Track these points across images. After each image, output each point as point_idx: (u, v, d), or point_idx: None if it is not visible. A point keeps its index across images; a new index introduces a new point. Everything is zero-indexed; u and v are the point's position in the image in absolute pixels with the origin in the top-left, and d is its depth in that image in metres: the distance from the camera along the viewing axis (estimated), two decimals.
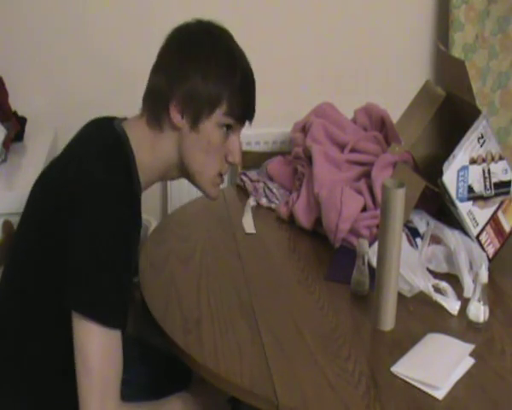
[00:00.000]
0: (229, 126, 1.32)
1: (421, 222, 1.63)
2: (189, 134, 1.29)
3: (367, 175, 1.72)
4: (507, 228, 1.60)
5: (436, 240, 1.56)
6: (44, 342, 1.24)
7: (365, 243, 1.43)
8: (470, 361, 1.24)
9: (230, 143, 1.34)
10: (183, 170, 1.34)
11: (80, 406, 1.14)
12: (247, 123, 1.37)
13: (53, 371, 1.24)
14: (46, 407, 1.26)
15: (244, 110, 1.33)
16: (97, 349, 1.14)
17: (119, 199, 1.18)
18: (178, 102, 1.28)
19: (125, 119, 1.35)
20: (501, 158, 1.60)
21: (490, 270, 1.37)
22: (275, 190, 1.88)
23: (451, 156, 1.54)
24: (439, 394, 1.16)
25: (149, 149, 1.30)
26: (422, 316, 1.38)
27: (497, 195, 1.59)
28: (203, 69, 1.28)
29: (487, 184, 1.57)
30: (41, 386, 1.25)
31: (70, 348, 1.16)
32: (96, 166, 1.21)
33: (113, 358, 1.16)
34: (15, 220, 1.57)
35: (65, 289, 1.16)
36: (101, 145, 1.27)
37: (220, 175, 1.36)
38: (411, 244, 1.57)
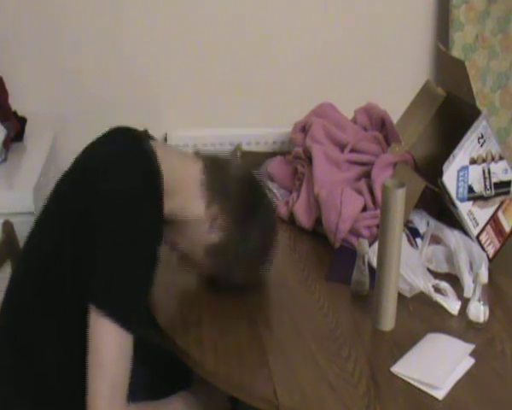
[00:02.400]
0: None
1: (422, 222, 1.63)
2: (203, 238, 1.33)
3: (367, 175, 1.72)
4: (507, 228, 1.60)
5: (436, 240, 1.56)
6: (56, 342, 1.23)
7: (365, 243, 1.43)
8: (470, 361, 1.24)
9: None
10: (173, 223, 1.33)
11: (88, 403, 1.14)
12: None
13: (64, 370, 1.24)
14: (55, 405, 1.26)
15: None
16: (113, 349, 1.14)
17: (151, 204, 1.20)
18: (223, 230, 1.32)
19: (152, 137, 1.37)
20: (501, 158, 1.60)
21: (490, 270, 1.37)
22: (275, 190, 1.88)
23: (451, 156, 1.54)
24: (439, 394, 1.16)
25: (183, 191, 1.31)
26: (422, 316, 1.38)
27: (497, 195, 1.59)
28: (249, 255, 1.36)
29: (487, 184, 1.58)
30: (51, 385, 1.25)
31: (81, 349, 1.16)
32: (125, 173, 1.22)
33: (126, 360, 1.16)
34: (15, 220, 1.57)
35: (88, 288, 1.16)
36: (132, 155, 1.27)
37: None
38: (411, 244, 1.57)
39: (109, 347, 1.14)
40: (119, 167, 1.23)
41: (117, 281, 1.16)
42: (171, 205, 1.28)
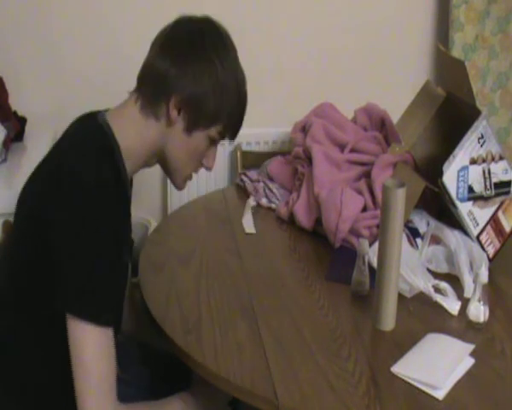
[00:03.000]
0: (214, 140, 1.34)
1: (422, 222, 1.63)
2: (181, 134, 1.29)
3: (367, 175, 1.72)
4: (507, 228, 1.60)
5: (436, 240, 1.56)
6: (39, 345, 1.23)
7: (365, 243, 1.43)
8: (470, 361, 1.24)
9: (211, 152, 1.37)
10: (161, 160, 1.34)
11: (78, 405, 1.14)
12: None
13: (50, 373, 1.24)
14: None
15: (233, 133, 1.37)
16: (92, 348, 1.14)
17: (105, 195, 1.18)
18: (182, 100, 1.27)
19: (107, 110, 1.35)
20: (501, 158, 1.60)
21: (490, 270, 1.37)
22: (275, 190, 1.88)
23: (451, 156, 1.54)
24: (439, 394, 1.16)
25: (136, 135, 1.29)
26: (422, 316, 1.38)
27: (497, 195, 1.59)
28: (215, 83, 1.28)
29: (487, 184, 1.58)
30: (38, 389, 1.25)
31: (65, 349, 1.16)
32: (78, 163, 1.20)
33: (108, 356, 1.16)
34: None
35: (56, 292, 1.16)
36: (84, 141, 1.26)
37: (194, 173, 1.40)
38: (412, 244, 1.57)
39: (89, 347, 1.14)
40: (77, 164, 1.21)
41: (81, 280, 1.15)
42: (146, 158, 1.30)
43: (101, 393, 1.14)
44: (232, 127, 1.35)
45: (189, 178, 1.39)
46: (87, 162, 1.20)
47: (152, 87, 1.29)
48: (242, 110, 1.36)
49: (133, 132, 1.29)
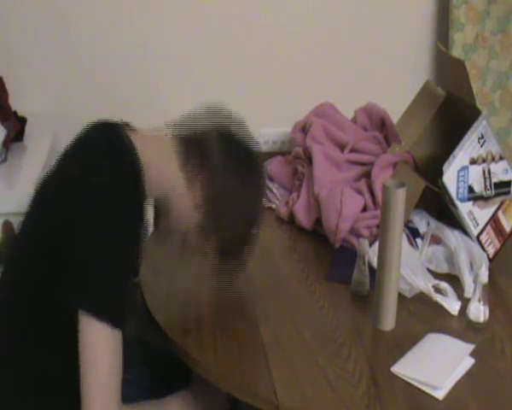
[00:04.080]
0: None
1: (422, 222, 1.63)
2: (191, 206, 1.31)
3: (367, 175, 1.72)
4: (507, 228, 1.60)
5: (436, 240, 1.56)
6: (47, 343, 1.23)
7: (365, 243, 1.43)
8: (470, 361, 1.24)
9: (186, 241, 1.38)
10: (160, 201, 1.33)
11: (83, 404, 1.14)
12: None
13: (55, 371, 1.24)
14: (47, 407, 1.26)
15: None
16: (104, 349, 1.14)
17: (127, 200, 1.18)
18: (210, 194, 1.30)
19: (128, 124, 1.35)
20: (501, 158, 1.60)
21: (490, 270, 1.37)
22: (275, 190, 1.88)
23: (451, 156, 1.54)
24: (439, 394, 1.16)
25: (160, 170, 1.30)
26: (423, 316, 1.38)
27: (497, 195, 1.59)
28: (244, 210, 1.34)
29: (487, 184, 1.57)
30: (42, 387, 1.25)
31: (72, 348, 1.16)
32: (103, 170, 1.21)
33: (117, 359, 1.16)
34: (15, 220, 1.57)
35: (72, 290, 1.16)
36: (110, 150, 1.26)
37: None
38: (412, 244, 1.57)
39: (99, 347, 1.14)
40: (96, 166, 1.21)
41: (98, 279, 1.15)
42: (153, 192, 1.28)
43: (107, 393, 1.14)
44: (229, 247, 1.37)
45: (164, 242, 1.40)
46: (111, 168, 1.20)
47: (199, 158, 1.31)
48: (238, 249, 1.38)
49: (159, 166, 1.29)
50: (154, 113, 2.31)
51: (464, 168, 1.55)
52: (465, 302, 1.37)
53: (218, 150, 1.32)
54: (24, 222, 1.32)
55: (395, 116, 1.83)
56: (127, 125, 1.34)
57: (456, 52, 2.35)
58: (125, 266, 1.18)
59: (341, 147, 1.83)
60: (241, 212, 1.34)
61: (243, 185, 1.34)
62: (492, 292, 1.42)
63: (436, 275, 1.49)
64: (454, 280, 1.46)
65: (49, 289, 1.21)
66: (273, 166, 1.96)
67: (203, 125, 1.36)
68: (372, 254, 1.43)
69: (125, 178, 1.21)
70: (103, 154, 1.24)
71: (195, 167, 1.31)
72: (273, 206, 1.84)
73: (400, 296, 1.35)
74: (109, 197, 1.17)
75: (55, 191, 1.26)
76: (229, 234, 1.35)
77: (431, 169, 1.66)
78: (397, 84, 2.37)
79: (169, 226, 1.34)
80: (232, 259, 1.38)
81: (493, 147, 1.58)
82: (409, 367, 1.22)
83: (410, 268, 1.42)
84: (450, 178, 1.54)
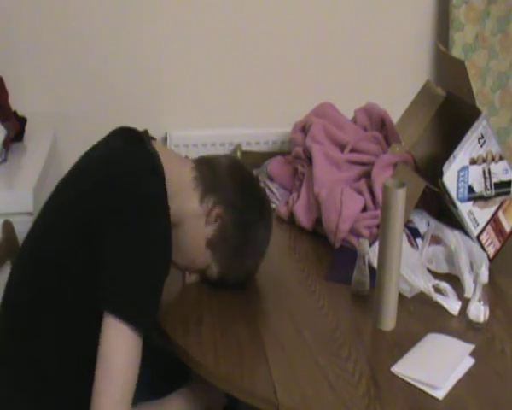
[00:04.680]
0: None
1: (422, 222, 1.63)
2: (203, 237, 1.35)
3: (367, 175, 1.72)
4: (507, 228, 1.60)
5: (436, 240, 1.56)
6: (52, 344, 1.23)
7: (366, 243, 1.43)
8: (470, 361, 1.24)
9: (197, 275, 1.43)
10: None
11: (93, 401, 1.14)
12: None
13: (62, 371, 1.24)
14: (51, 407, 1.26)
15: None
16: (124, 352, 1.15)
17: (159, 207, 1.21)
18: (223, 227, 1.35)
19: (153, 138, 1.38)
20: (501, 158, 1.60)
21: (490, 270, 1.37)
22: (275, 190, 1.88)
23: (452, 157, 1.54)
24: (439, 394, 1.16)
25: (178, 192, 1.31)
26: (423, 316, 1.38)
27: (497, 195, 1.59)
28: (255, 245, 1.41)
29: (487, 184, 1.58)
30: (48, 387, 1.25)
31: (78, 350, 1.16)
32: (142, 173, 1.24)
33: (135, 363, 1.16)
34: (15, 220, 1.57)
35: (99, 291, 1.16)
36: (140, 159, 1.28)
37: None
38: (412, 244, 1.57)
39: (121, 349, 1.14)
40: (128, 171, 1.24)
41: (130, 284, 1.16)
42: (171, 206, 1.28)
43: (120, 396, 1.14)
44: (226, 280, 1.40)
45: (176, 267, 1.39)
46: (149, 178, 1.24)
47: (208, 195, 1.35)
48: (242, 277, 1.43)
49: (178, 189, 1.31)
50: (155, 113, 2.32)
51: (464, 168, 1.55)
52: (465, 302, 1.37)
53: (232, 192, 1.36)
54: (41, 222, 1.31)
55: (395, 116, 1.83)
56: (149, 136, 1.37)
57: (456, 52, 2.35)
58: (157, 272, 1.19)
59: (341, 147, 1.83)
60: (250, 253, 1.40)
61: (253, 229, 1.38)
62: (492, 292, 1.42)
63: (436, 275, 1.49)
64: (454, 280, 1.46)
65: (55, 294, 1.21)
66: (273, 167, 1.96)
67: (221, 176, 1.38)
68: (372, 254, 1.43)
69: (160, 188, 1.24)
70: (135, 163, 1.26)
71: (212, 202, 1.34)
72: (273, 206, 1.84)
73: (400, 296, 1.35)
74: (144, 206, 1.19)
75: (83, 192, 1.26)
76: (233, 274, 1.40)
77: (431, 169, 1.66)
78: (397, 84, 2.38)
79: (177, 249, 1.33)
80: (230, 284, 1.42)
81: (493, 147, 1.58)
82: (409, 367, 1.22)
83: (410, 268, 1.42)
84: (450, 178, 1.54)
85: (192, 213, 1.34)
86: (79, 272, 1.20)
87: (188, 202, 1.33)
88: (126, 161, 1.27)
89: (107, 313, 1.15)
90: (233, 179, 1.37)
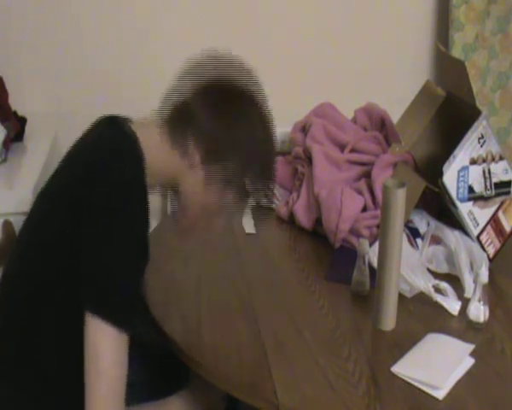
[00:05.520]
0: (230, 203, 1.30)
1: (422, 222, 1.63)
2: (199, 182, 1.28)
3: (367, 175, 1.72)
4: (507, 228, 1.60)
5: (436, 240, 1.56)
6: (52, 343, 1.23)
7: (366, 243, 1.43)
8: (470, 361, 1.24)
9: (223, 219, 1.33)
10: (173, 194, 1.31)
11: (87, 404, 1.14)
12: None
13: (59, 371, 1.24)
14: (51, 407, 1.26)
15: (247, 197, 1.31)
16: (110, 351, 1.14)
17: (136, 197, 1.18)
18: (207, 151, 1.26)
19: (128, 119, 1.35)
20: (501, 158, 1.60)
21: (490, 270, 1.37)
22: (275, 190, 1.88)
23: (452, 157, 1.54)
24: (439, 394, 1.16)
25: (159, 158, 1.28)
26: (423, 316, 1.38)
27: (497, 195, 1.59)
28: (242, 141, 1.28)
29: (487, 184, 1.57)
30: (48, 386, 1.25)
31: (78, 348, 1.16)
32: (110, 164, 1.20)
33: (123, 361, 1.16)
34: (15, 220, 1.57)
35: (80, 291, 1.16)
36: (112, 144, 1.26)
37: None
38: (412, 245, 1.57)
39: (107, 349, 1.13)
40: (98, 161, 1.21)
41: (106, 281, 1.14)
42: (160, 180, 1.27)
43: (111, 397, 1.14)
44: (248, 192, 1.29)
45: (191, 233, 1.34)
46: (120, 164, 1.20)
47: (182, 127, 1.28)
48: (268, 172, 1.30)
49: (156, 154, 1.27)
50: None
51: (464, 168, 1.55)
52: (465, 302, 1.37)
53: (201, 106, 1.28)
54: (28, 222, 1.32)
55: (395, 116, 1.83)
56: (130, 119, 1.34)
57: (456, 52, 2.35)
58: (136, 268, 1.17)
59: (341, 147, 1.83)
60: (244, 142, 1.29)
61: (234, 119, 1.29)
62: (492, 292, 1.42)
63: (436, 275, 1.49)
64: (454, 280, 1.46)
65: (54, 289, 1.21)
66: None
67: (189, 87, 1.31)
68: (372, 254, 1.43)
69: (137, 175, 1.20)
70: (105, 148, 1.23)
71: (181, 138, 1.27)
72: (273, 206, 1.84)
73: (400, 296, 1.35)
74: (117, 198, 1.16)
75: (59, 191, 1.25)
76: (242, 168, 1.28)
77: (431, 169, 1.66)
78: (397, 84, 2.37)
79: (185, 206, 1.30)
80: (259, 192, 1.32)
81: (493, 147, 1.58)
82: (409, 367, 1.22)
83: (410, 268, 1.42)
84: (450, 178, 1.54)
85: (181, 171, 1.28)
86: (67, 267, 1.19)
87: (173, 165, 1.28)
88: (98, 150, 1.24)
89: (87, 312, 1.14)
90: (203, 107, 1.29)
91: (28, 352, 1.24)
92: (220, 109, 1.29)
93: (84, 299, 1.15)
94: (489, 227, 1.58)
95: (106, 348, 1.13)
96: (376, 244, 1.36)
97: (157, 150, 1.28)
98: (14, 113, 2.07)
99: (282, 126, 2.18)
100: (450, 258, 1.52)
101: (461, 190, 1.55)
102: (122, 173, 1.18)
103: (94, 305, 1.14)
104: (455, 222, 1.59)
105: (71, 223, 1.18)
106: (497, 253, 1.59)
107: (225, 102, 1.30)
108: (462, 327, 1.35)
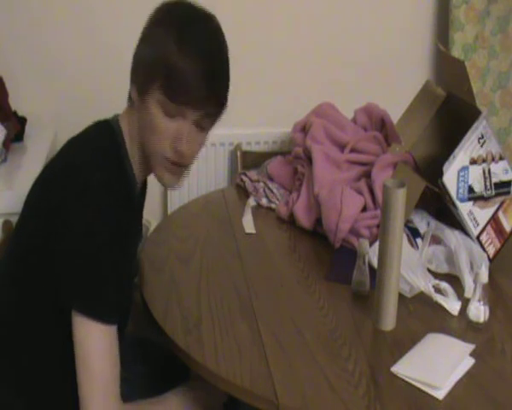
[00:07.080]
0: (178, 110, 1.22)
1: (422, 222, 1.63)
2: (139, 109, 1.25)
3: (367, 175, 1.72)
4: (507, 228, 1.60)
5: (436, 240, 1.56)
6: (43, 341, 1.23)
7: (366, 243, 1.43)
8: (470, 361, 1.24)
9: (177, 129, 1.23)
10: (145, 156, 1.28)
11: (81, 405, 1.14)
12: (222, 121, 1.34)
13: (52, 370, 1.24)
14: (44, 407, 1.26)
15: (181, 93, 1.19)
16: (97, 347, 1.14)
17: (112, 197, 1.18)
18: (132, 73, 1.30)
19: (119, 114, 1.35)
20: (501, 158, 1.60)
21: (490, 270, 1.37)
22: (275, 190, 1.88)
23: (452, 157, 1.54)
24: (439, 394, 1.16)
25: (132, 133, 1.28)
26: (423, 316, 1.38)
27: (497, 195, 1.59)
28: (146, 34, 1.32)
29: (488, 184, 1.57)
30: (39, 386, 1.25)
31: (69, 347, 1.16)
32: (85, 165, 1.21)
33: (112, 355, 1.16)
34: (15, 220, 1.57)
35: (62, 289, 1.16)
36: (92, 143, 1.27)
37: (171, 162, 1.25)
38: (412, 245, 1.57)
39: (93, 345, 1.14)
40: (74, 166, 1.22)
41: (87, 279, 1.15)
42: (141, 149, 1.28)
43: (105, 392, 1.14)
44: (176, 84, 1.19)
45: (169, 167, 1.25)
46: (93, 164, 1.21)
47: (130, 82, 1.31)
48: (187, 63, 1.19)
49: (132, 130, 1.28)
50: None
51: (464, 168, 1.55)
52: (465, 302, 1.37)
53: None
54: (18, 222, 1.32)
55: (395, 116, 1.83)
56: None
57: (456, 52, 2.35)
58: (113, 264, 1.17)
59: (341, 147, 1.83)
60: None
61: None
62: (492, 292, 1.42)
63: (436, 275, 1.49)
64: (454, 280, 1.46)
65: (41, 288, 1.21)
66: (273, 167, 1.96)
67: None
68: (372, 254, 1.43)
69: (111, 176, 1.20)
70: (90, 152, 1.25)
71: (136, 93, 1.28)
72: (273, 206, 1.84)
73: (400, 296, 1.35)
74: (95, 198, 1.17)
75: (45, 191, 1.26)
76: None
77: (431, 169, 1.66)
78: (397, 84, 2.38)
79: (150, 147, 1.26)
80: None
81: (493, 147, 1.58)
82: (409, 367, 1.22)
83: (410, 268, 1.42)
84: (450, 178, 1.54)
85: (140, 123, 1.26)
86: (46, 274, 1.20)
87: (136, 123, 1.27)
88: (76, 156, 1.25)
89: (74, 311, 1.14)
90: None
91: (12, 354, 1.25)
92: (144, 34, 1.34)
93: (69, 298, 1.15)
94: (489, 227, 1.58)
95: (93, 344, 1.14)
96: (376, 244, 1.36)
97: (131, 126, 1.28)
98: (14, 113, 2.07)
99: (282, 126, 2.19)
100: (450, 258, 1.52)
101: (461, 190, 1.55)
102: (98, 174, 1.19)
103: (79, 303, 1.14)
104: (455, 222, 1.59)
105: (50, 225, 1.19)
106: (497, 253, 1.59)
107: (149, 28, 1.33)
108: (462, 327, 1.35)
